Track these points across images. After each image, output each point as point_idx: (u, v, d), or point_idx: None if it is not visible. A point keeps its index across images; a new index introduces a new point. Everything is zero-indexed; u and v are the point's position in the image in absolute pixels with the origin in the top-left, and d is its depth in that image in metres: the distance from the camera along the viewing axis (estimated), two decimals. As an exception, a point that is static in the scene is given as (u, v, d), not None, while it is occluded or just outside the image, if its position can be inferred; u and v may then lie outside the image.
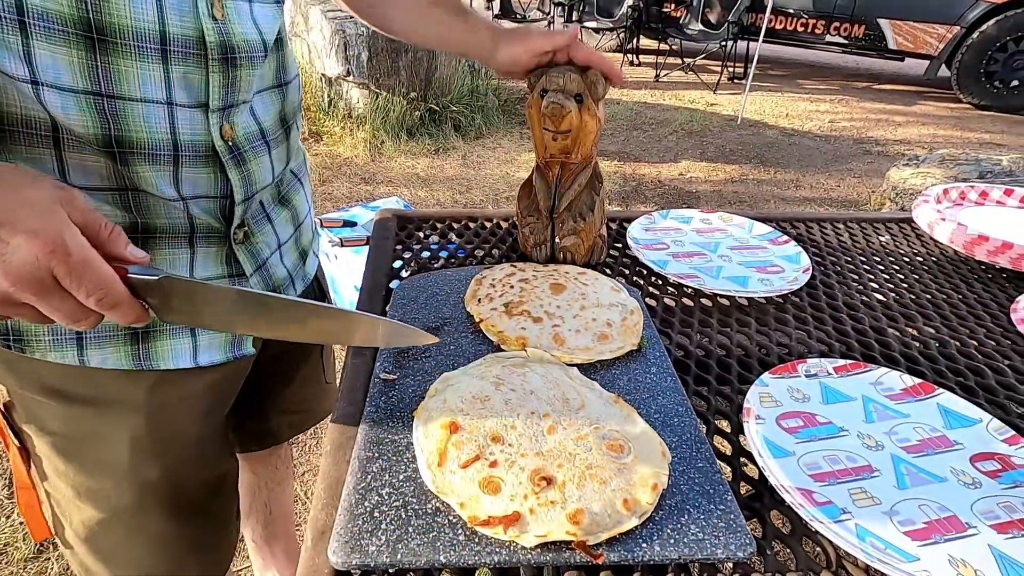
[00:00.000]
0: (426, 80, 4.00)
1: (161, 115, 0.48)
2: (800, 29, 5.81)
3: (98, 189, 0.49)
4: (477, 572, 0.40)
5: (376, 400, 0.51)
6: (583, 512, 0.40)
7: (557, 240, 0.74)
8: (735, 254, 0.85)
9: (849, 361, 0.62)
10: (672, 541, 0.40)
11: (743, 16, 5.56)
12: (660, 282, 0.78)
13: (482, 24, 0.72)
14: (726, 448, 0.53)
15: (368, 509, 0.41)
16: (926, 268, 0.87)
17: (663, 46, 6.19)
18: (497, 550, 0.39)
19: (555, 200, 0.73)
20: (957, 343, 0.69)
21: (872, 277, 0.83)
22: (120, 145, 0.47)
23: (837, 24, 5.63)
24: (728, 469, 0.50)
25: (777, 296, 0.75)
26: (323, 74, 3.97)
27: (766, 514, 0.46)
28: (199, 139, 0.52)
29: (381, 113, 3.85)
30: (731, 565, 0.42)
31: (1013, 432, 0.53)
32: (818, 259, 0.87)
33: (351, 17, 3.90)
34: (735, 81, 5.81)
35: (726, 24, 5.53)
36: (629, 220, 0.92)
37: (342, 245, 2.05)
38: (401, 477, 0.44)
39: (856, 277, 0.83)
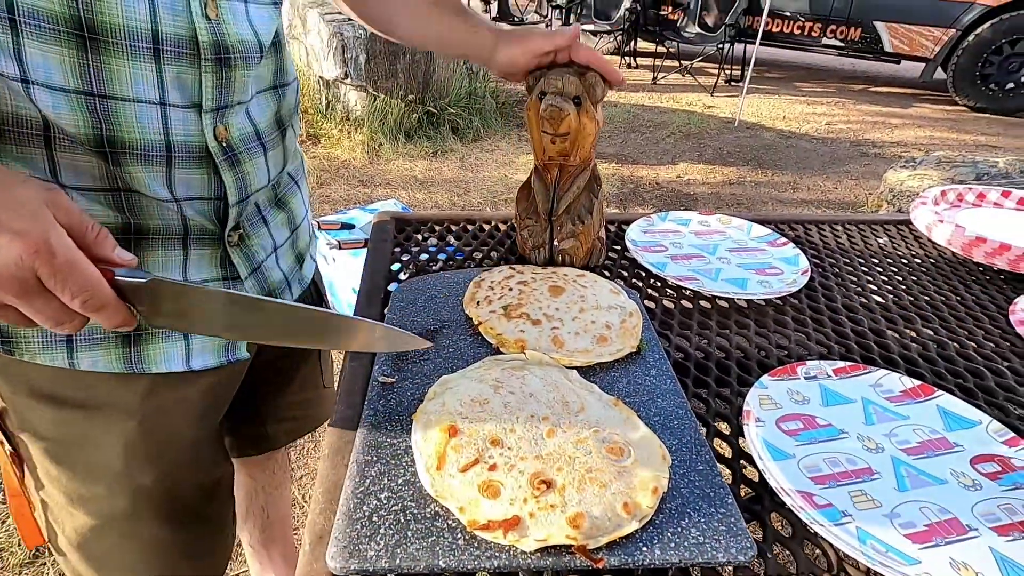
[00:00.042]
0: (424, 83, 4.01)
1: (154, 115, 0.48)
2: (797, 32, 5.84)
3: (90, 189, 0.48)
4: (476, 577, 0.40)
5: (374, 403, 0.51)
6: (583, 516, 0.40)
7: (556, 242, 0.74)
8: (734, 256, 0.85)
9: (848, 363, 0.62)
10: (673, 545, 0.40)
11: (740, 19, 5.58)
12: (659, 284, 0.77)
13: (482, 25, 0.72)
14: (726, 451, 0.52)
15: (367, 513, 0.41)
16: (924, 270, 0.87)
17: (660, 49, 6.21)
18: (497, 554, 0.39)
19: (554, 202, 0.73)
20: (956, 345, 0.69)
21: (871, 279, 0.83)
22: (112, 145, 0.47)
23: (833, 27, 5.65)
24: (728, 472, 0.50)
25: (776, 298, 0.75)
26: (321, 76, 3.97)
27: (766, 517, 0.46)
28: (192, 140, 0.51)
29: (379, 116, 3.85)
30: (732, 569, 0.41)
31: (1013, 434, 0.53)
32: (816, 261, 0.87)
33: (349, 20, 3.91)
34: (732, 84, 5.83)
35: (723, 27, 5.55)
36: (627, 222, 0.91)
37: (340, 248, 2.05)
38: (400, 481, 0.44)
39: (855, 279, 0.83)
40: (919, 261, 0.89)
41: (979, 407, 0.57)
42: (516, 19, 6.34)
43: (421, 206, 3.18)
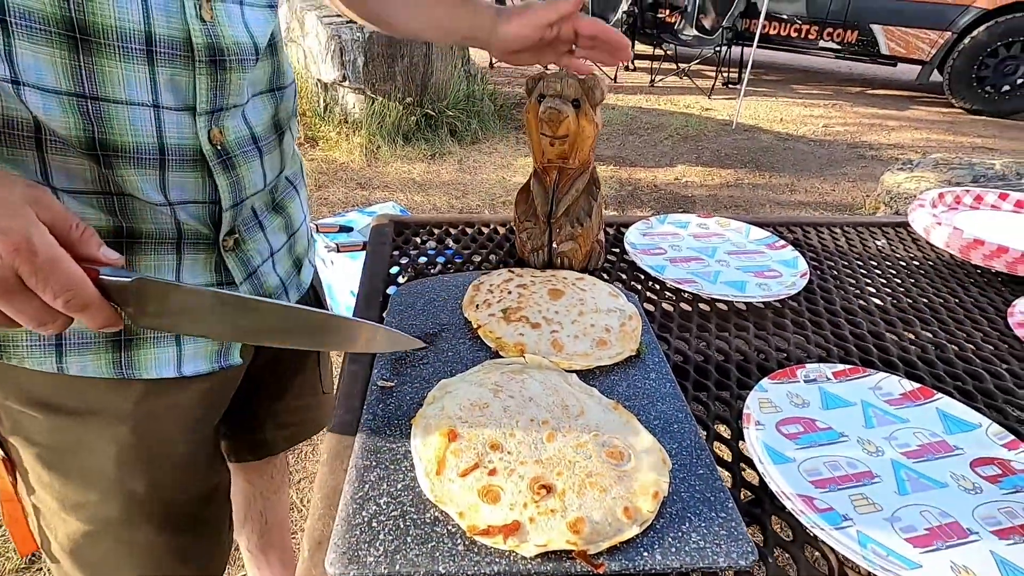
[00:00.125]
0: (422, 85, 4.01)
1: (147, 118, 0.47)
2: (794, 35, 5.86)
3: (82, 192, 0.48)
4: (476, 582, 0.40)
5: (374, 408, 0.51)
6: (583, 521, 0.40)
7: (555, 245, 0.74)
8: (732, 259, 0.85)
9: (848, 366, 0.62)
10: (673, 550, 0.40)
11: (737, 22, 5.59)
12: (658, 287, 0.77)
13: (483, 6, 0.69)
14: (726, 454, 0.52)
15: (366, 519, 0.41)
16: (922, 272, 0.87)
17: (658, 51, 6.23)
18: (497, 560, 0.39)
19: (553, 205, 0.73)
20: (955, 347, 0.69)
21: (869, 281, 0.83)
22: (104, 148, 0.46)
23: (830, 30, 5.67)
24: (728, 475, 0.50)
25: (775, 301, 0.75)
26: (319, 79, 3.97)
27: (767, 521, 0.46)
28: (186, 143, 0.51)
29: (377, 118, 3.85)
30: (733, 573, 0.41)
31: (1012, 437, 0.53)
32: (815, 263, 0.87)
33: (347, 22, 3.91)
34: (730, 86, 5.84)
35: (720, 30, 5.56)
36: (626, 225, 0.91)
37: (338, 250, 2.04)
38: (399, 486, 0.43)
39: (853, 281, 0.83)
40: (917, 263, 0.90)
41: (978, 410, 0.57)
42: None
43: (419, 208, 3.18)
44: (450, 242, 0.86)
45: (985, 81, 5.22)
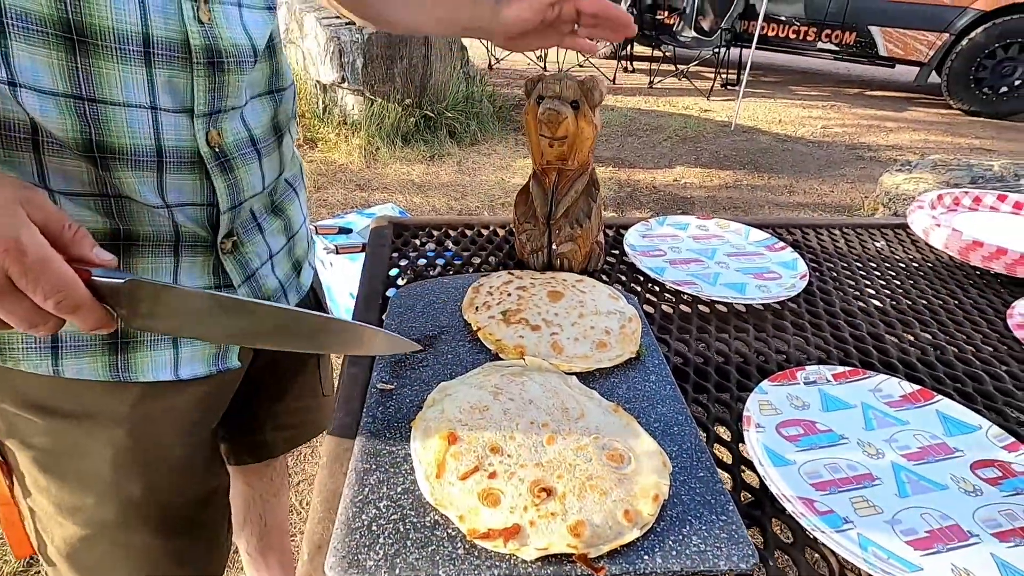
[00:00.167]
0: (421, 87, 4.01)
1: (144, 120, 0.47)
2: (792, 36, 5.87)
3: (79, 194, 0.48)
4: (477, 586, 0.39)
5: (373, 411, 0.51)
6: (584, 524, 0.40)
7: (554, 247, 0.74)
8: (732, 260, 0.85)
9: (848, 368, 0.62)
10: (674, 553, 0.40)
11: (736, 23, 5.60)
12: (657, 289, 0.77)
13: None
14: (726, 456, 0.52)
15: (366, 523, 0.41)
16: (922, 274, 0.87)
17: (657, 53, 6.24)
18: (497, 564, 0.39)
19: (552, 207, 0.73)
20: (954, 349, 0.69)
21: (868, 283, 0.83)
22: (101, 150, 0.46)
23: (828, 31, 5.68)
24: (728, 477, 0.50)
25: (775, 303, 0.75)
26: (318, 81, 3.97)
27: (767, 523, 0.46)
28: (184, 145, 0.51)
29: (376, 120, 3.85)
30: (733, 576, 0.41)
31: (1013, 439, 0.53)
32: (815, 265, 0.87)
33: (346, 24, 3.91)
34: (728, 87, 5.85)
35: (719, 31, 5.57)
36: (625, 226, 0.91)
37: (337, 252, 2.04)
38: (399, 489, 0.43)
39: (852, 283, 0.83)
40: (916, 265, 0.90)
41: (978, 411, 0.57)
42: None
43: (418, 210, 3.18)
44: (449, 244, 0.86)
45: (983, 82, 5.23)
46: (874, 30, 5.48)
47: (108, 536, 0.60)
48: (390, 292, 0.72)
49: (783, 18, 5.80)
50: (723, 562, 0.39)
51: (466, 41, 4.59)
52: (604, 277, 0.78)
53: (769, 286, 0.78)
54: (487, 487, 0.42)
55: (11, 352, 0.51)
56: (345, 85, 3.86)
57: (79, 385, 0.53)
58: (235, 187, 0.56)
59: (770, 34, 5.87)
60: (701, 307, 0.74)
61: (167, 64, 0.47)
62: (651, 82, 5.89)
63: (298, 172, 0.73)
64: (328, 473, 0.47)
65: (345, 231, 2.15)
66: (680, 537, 0.41)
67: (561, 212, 0.73)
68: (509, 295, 0.66)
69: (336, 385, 0.61)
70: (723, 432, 0.55)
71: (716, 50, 5.66)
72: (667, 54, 6.11)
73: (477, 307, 0.64)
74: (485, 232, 0.90)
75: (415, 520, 0.41)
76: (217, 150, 0.53)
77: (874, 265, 0.89)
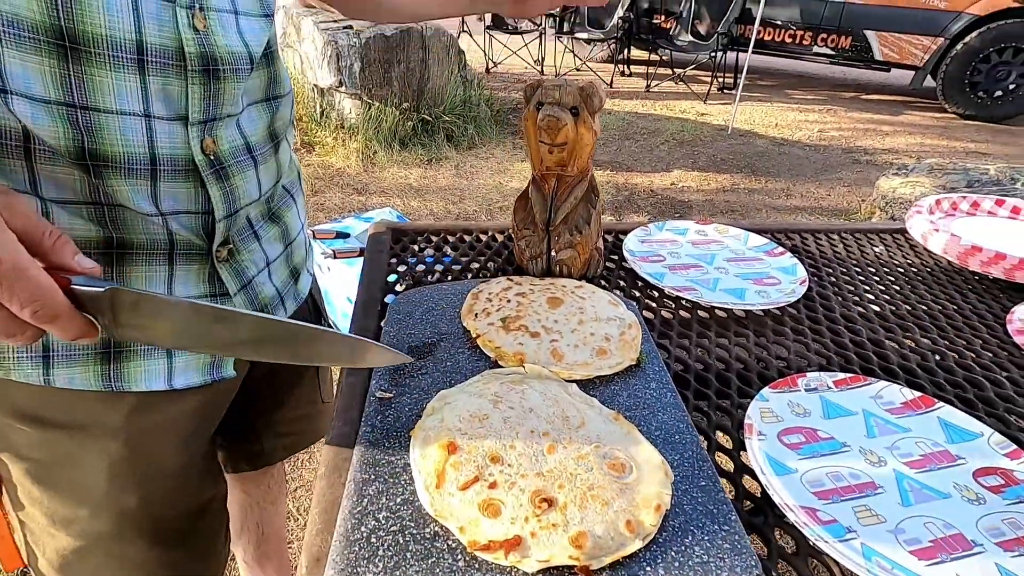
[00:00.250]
0: (418, 90, 4.02)
1: (138, 128, 0.47)
2: (788, 40, 5.90)
3: (71, 202, 0.47)
4: (477, 599, 0.39)
5: (372, 420, 0.50)
6: (586, 535, 0.39)
7: (553, 253, 0.74)
8: (732, 266, 0.85)
9: (848, 374, 0.61)
10: (677, 564, 0.39)
11: (732, 27, 5.63)
12: (656, 294, 0.77)
13: None
14: (727, 464, 0.52)
15: (365, 535, 0.40)
16: (920, 279, 0.87)
17: (654, 57, 6.26)
18: (498, 576, 0.38)
19: (551, 213, 0.72)
20: (955, 355, 0.69)
21: (868, 288, 0.83)
22: (94, 158, 0.45)
23: (824, 35, 5.72)
24: (728, 485, 0.50)
25: (775, 308, 0.75)
26: (315, 85, 3.98)
27: (770, 533, 0.46)
28: (178, 153, 0.50)
29: (374, 123, 3.85)
30: (736, 587, 0.41)
31: (1015, 446, 0.53)
32: (814, 270, 0.87)
33: (344, 28, 3.91)
34: (725, 91, 5.88)
35: (715, 35, 5.60)
36: (624, 232, 0.91)
37: (335, 257, 2.04)
38: (398, 500, 0.43)
39: (852, 288, 0.83)
40: (915, 270, 0.90)
41: (979, 418, 0.57)
42: (510, 27, 6.38)
43: (416, 214, 3.18)
44: (448, 249, 0.86)
45: (978, 86, 5.26)
46: (869, 34, 5.51)
47: (102, 548, 0.59)
48: (389, 298, 0.72)
49: (779, 22, 5.83)
50: (726, 573, 0.39)
51: (463, 45, 4.60)
52: (604, 283, 0.78)
53: (769, 291, 0.78)
54: (487, 497, 0.42)
55: (2, 361, 0.50)
56: (342, 89, 3.86)
57: (71, 395, 0.52)
58: (231, 195, 0.55)
59: (766, 38, 5.90)
60: (701, 313, 0.74)
61: (161, 72, 0.47)
62: (648, 86, 5.91)
63: (296, 178, 0.72)
64: (327, 483, 0.47)
65: (343, 235, 2.15)
66: (683, 548, 0.41)
67: (560, 218, 0.72)
68: (508, 301, 0.66)
69: (335, 393, 0.61)
70: (724, 440, 0.55)
71: (713, 54, 5.69)
72: (664, 58, 6.13)
73: (476, 314, 0.64)
74: (484, 237, 0.90)
75: (415, 532, 0.41)
76: (212, 158, 0.52)
77: (873, 270, 0.89)
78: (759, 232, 0.94)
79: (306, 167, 3.59)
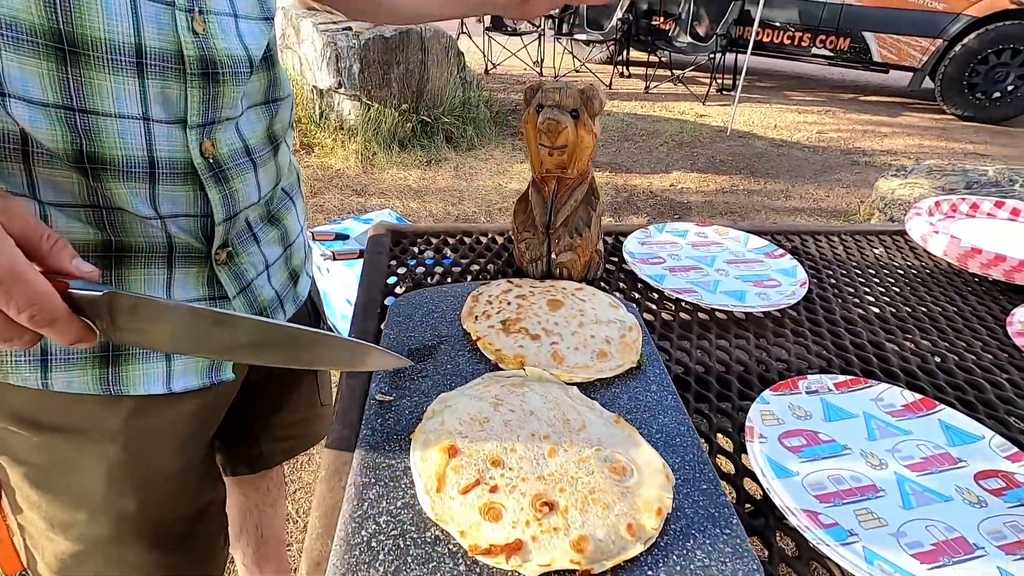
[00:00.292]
0: (418, 92, 4.02)
1: (136, 131, 0.46)
2: (787, 42, 5.91)
3: (70, 205, 0.47)
4: (478, 603, 0.39)
5: (372, 422, 0.50)
6: (587, 539, 0.39)
7: (553, 255, 0.74)
8: (732, 268, 0.85)
9: (849, 377, 0.61)
10: (678, 568, 0.39)
11: (731, 29, 5.64)
12: (657, 296, 0.77)
13: None
14: (728, 467, 0.52)
15: (365, 539, 0.40)
16: (920, 281, 0.87)
17: (653, 58, 6.27)
18: (499, 580, 0.38)
19: (551, 215, 0.72)
20: (955, 357, 0.69)
21: (868, 290, 0.83)
22: (92, 161, 0.45)
23: (823, 37, 5.72)
24: (729, 487, 0.50)
25: (775, 310, 0.75)
26: (314, 86, 3.98)
27: (771, 536, 0.46)
28: (177, 156, 0.50)
29: (373, 125, 3.85)
30: (738, 591, 0.41)
31: (1016, 448, 0.53)
32: (814, 272, 0.86)
33: (343, 29, 3.91)
34: (724, 93, 5.88)
35: (714, 37, 5.60)
36: (624, 233, 0.91)
37: (334, 258, 2.04)
38: (399, 504, 0.43)
39: (852, 290, 0.83)
40: (915, 272, 0.90)
41: (980, 421, 0.57)
42: (509, 28, 6.38)
43: (415, 215, 3.18)
44: (448, 251, 0.86)
45: (976, 88, 5.27)
46: (868, 36, 5.52)
47: (101, 552, 0.59)
48: (388, 301, 0.71)
49: (778, 24, 5.84)
50: (728, 577, 0.39)
51: (462, 46, 4.61)
52: (604, 285, 0.77)
53: (769, 294, 0.78)
54: (488, 501, 0.42)
55: (0, 365, 0.50)
56: (342, 90, 3.86)
57: (69, 399, 0.52)
58: (230, 198, 0.55)
59: (765, 40, 5.91)
60: (701, 315, 0.74)
61: (160, 75, 0.47)
62: (647, 87, 5.92)
63: (295, 180, 0.72)
64: (327, 487, 0.46)
65: (342, 237, 2.14)
66: (684, 552, 0.41)
67: (560, 221, 0.72)
68: (509, 304, 0.66)
69: (334, 395, 0.60)
70: (725, 442, 0.54)
71: (712, 55, 5.69)
72: (663, 59, 6.14)
73: (476, 316, 0.64)
74: (484, 240, 0.90)
75: (415, 536, 0.40)
76: (211, 161, 0.52)
77: (873, 272, 0.89)
78: (759, 234, 0.94)
79: (305, 168, 3.59)
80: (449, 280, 0.78)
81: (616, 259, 0.85)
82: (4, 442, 0.55)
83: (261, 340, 0.43)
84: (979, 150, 4.65)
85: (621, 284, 0.79)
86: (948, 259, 0.88)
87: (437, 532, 0.41)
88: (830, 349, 0.69)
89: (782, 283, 0.81)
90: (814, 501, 0.47)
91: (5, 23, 0.39)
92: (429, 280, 0.78)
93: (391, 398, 0.53)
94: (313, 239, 2.11)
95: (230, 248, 0.58)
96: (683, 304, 0.75)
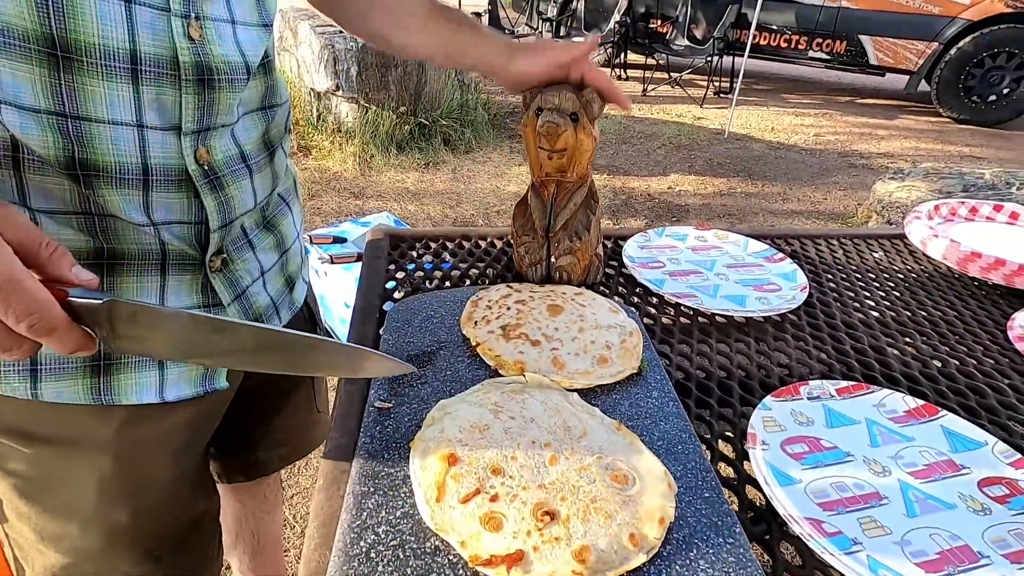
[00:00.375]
0: (416, 94, 4.01)
1: (130, 138, 0.46)
2: (784, 45, 5.92)
3: (61, 213, 0.46)
4: (479, 615, 0.38)
5: (371, 430, 0.49)
6: (589, 549, 0.39)
7: (553, 259, 0.73)
8: (732, 272, 0.84)
9: (851, 382, 0.61)
10: (681, 579, 0.39)
11: (728, 32, 5.66)
12: (656, 301, 0.77)
13: (492, 36, 0.70)
14: (730, 474, 0.51)
15: (364, 549, 0.39)
16: (920, 285, 0.87)
17: (650, 61, 6.28)
18: (500, 592, 0.37)
19: (551, 219, 0.72)
20: (956, 362, 0.69)
21: (868, 294, 0.83)
22: (85, 168, 0.44)
23: (819, 40, 5.74)
24: (731, 494, 0.49)
25: (775, 315, 0.74)
26: (312, 88, 3.97)
27: (775, 545, 0.45)
28: (171, 163, 0.49)
29: (371, 127, 3.85)
30: (742, 602, 0.40)
31: (1019, 455, 0.52)
32: (814, 276, 0.86)
33: (340, 31, 3.91)
34: (721, 95, 5.89)
35: (711, 40, 5.62)
36: (624, 237, 0.91)
37: (332, 262, 2.03)
38: (398, 514, 0.42)
39: (852, 294, 0.83)
40: (915, 276, 0.89)
41: (982, 427, 0.56)
42: (506, 31, 6.40)
43: (413, 218, 3.17)
44: (447, 256, 0.85)
45: (972, 91, 5.30)
46: (864, 39, 5.55)
47: (92, 564, 0.58)
48: (387, 306, 0.71)
49: (775, 27, 5.86)
50: (732, 588, 0.38)
51: (461, 49, 4.59)
52: (604, 289, 0.77)
53: (769, 298, 0.78)
54: (489, 511, 0.41)
55: None
56: (339, 93, 3.85)
57: (60, 409, 0.51)
58: (225, 205, 0.54)
59: (762, 43, 5.93)
60: (701, 319, 0.73)
61: (155, 81, 0.46)
62: (645, 90, 5.93)
63: (292, 186, 0.71)
64: (325, 496, 0.46)
65: (340, 240, 2.14)
66: (687, 562, 0.40)
67: (560, 225, 0.72)
68: (508, 309, 0.65)
69: (332, 403, 0.60)
70: (727, 449, 0.54)
71: (709, 58, 5.70)
72: (660, 62, 6.14)
73: (476, 321, 0.63)
74: (483, 244, 0.89)
75: (415, 546, 0.40)
76: (206, 168, 0.52)
77: (873, 276, 0.88)
78: (759, 238, 0.94)
79: (303, 171, 3.58)
80: (448, 284, 0.78)
81: (616, 263, 0.85)
82: None
83: (260, 346, 0.43)
84: (975, 153, 4.66)
85: (621, 288, 0.79)
86: (948, 263, 0.88)
87: (437, 542, 0.40)
88: (831, 354, 0.69)
89: (782, 287, 0.81)
90: (817, 509, 0.46)
91: None
92: (428, 285, 0.78)
93: (390, 405, 0.52)
94: (311, 242, 2.11)
95: (225, 255, 0.57)
96: (683, 308, 0.75)
